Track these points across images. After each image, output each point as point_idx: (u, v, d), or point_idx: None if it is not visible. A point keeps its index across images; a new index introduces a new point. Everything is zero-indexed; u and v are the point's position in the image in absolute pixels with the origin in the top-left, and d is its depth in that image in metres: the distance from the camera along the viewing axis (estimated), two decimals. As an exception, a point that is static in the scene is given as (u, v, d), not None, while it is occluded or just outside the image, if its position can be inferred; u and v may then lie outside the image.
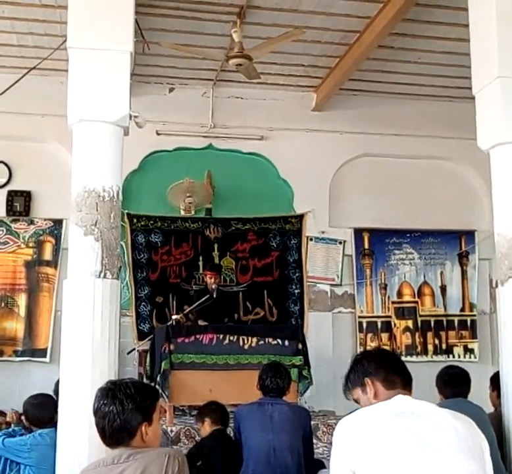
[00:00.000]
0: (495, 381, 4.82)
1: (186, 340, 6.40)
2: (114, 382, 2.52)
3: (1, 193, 7.99)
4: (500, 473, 3.86)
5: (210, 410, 4.87)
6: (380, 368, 2.40)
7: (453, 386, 4.40)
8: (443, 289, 8.76)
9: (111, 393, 2.41)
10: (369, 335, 8.46)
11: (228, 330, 6.67)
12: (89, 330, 4.27)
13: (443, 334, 8.64)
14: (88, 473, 2.44)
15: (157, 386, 6.19)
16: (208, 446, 4.57)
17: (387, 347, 8.17)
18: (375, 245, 8.68)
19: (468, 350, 8.61)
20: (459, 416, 2.26)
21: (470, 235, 8.82)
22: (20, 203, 7.96)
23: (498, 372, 4.67)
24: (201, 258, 8.24)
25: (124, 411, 2.37)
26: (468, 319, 8.72)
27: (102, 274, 4.34)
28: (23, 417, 4.59)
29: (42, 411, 4.42)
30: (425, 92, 8.51)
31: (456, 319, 8.70)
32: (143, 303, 8.03)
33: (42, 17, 6.62)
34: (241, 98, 8.48)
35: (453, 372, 4.55)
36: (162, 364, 6.19)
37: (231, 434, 4.74)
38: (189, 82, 8.30)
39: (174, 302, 8.03)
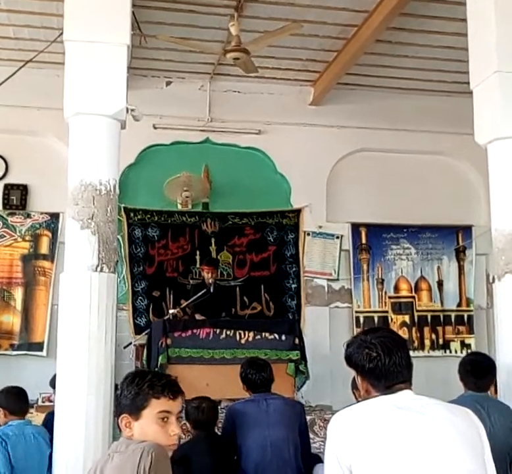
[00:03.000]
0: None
1: (183, 334, 6.41)
2: (142, 370, 2.53)
3: (-2, 186, 7.98)
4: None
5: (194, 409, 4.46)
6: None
7: (476, 376, 4.20)
8: (440, 284, 8.77)
9: (126, 377, 2.41)
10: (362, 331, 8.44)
11: (225, 324, 6.69)
12: (86, 324, 4.27)
13: (440, 329, 8.65)
14: (102, 457, 2.42)
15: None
16: (193, 452, 4.23)
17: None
18: (372, 240, 8.68)
19: (465, 345, 8.61)
20: (455, 409, 2.25)
21: (467, 230, 8.82)
22: (17, 197, 7.95)
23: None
24: (198, 252, 8.23)
25: (116, 397, 2.40)
26: (465, 314, 8.73)
27: (98, 268, 4.34)
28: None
29: (19, 401, 4.44)
30: (423, 87, 8.49)
31: (453, 314, 8.71)
32: (140, 297, 8.02)
33: (39, 9, 6.59)
34: (239, 92, 8.45)
35: (477, 361, 4.32)
36: (159, 358, 6.20)
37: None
38: (186, 76, 8.27)
39: (171, 296, 8.02)
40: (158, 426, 2.31)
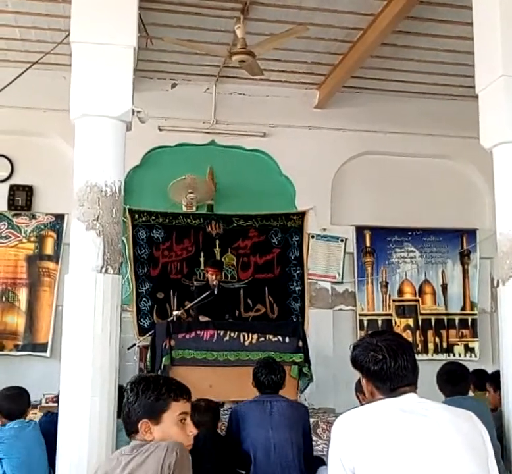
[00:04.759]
0: (494, 380, 4.82)
1: (187, 336, 6.41)
2: (148, 375, 2.53)
3: (3, 187, 7.98)
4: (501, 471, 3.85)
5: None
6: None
7: (452, 384, 4.41)
8: (444, 287, 8.76)
9: (136, 383, 2.41)
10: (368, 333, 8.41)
11: (228, 326, 6.69)
12: (90, 325, 4.28)
13: (443, 332, 8.63)
14: (104, 462, 2.46)
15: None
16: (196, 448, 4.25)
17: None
18: (376, 243, 8.67)
19: (468, 349, 8.60)
20: (459, 413, 2.25)
21: (471, 234, 8.81)
22: (22, 198, 7.96)
23: (495, 371, 4.69)
24: (202, 254, 8.24)
25: (129, 403, 2.37)
26: (469, 318, 8.71)
27: (103, 269, 4.35)
28: None
29: (12, 404, 4.44)
30: (428, 90, 8.50)
31: (457, 318, 8.69)
32: (144, 299, 8.03)
33: (45, 11, 6.61)
34: (244, 94, 8.46)
35: (451, 370, 4.56)
36: (163, 360, 6.20)
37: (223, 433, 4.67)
38: (192, 78, 8.28)
39: (175, 298, 8.03)
40: (178, 428, 2.35)
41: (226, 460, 4.28)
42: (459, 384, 4.46)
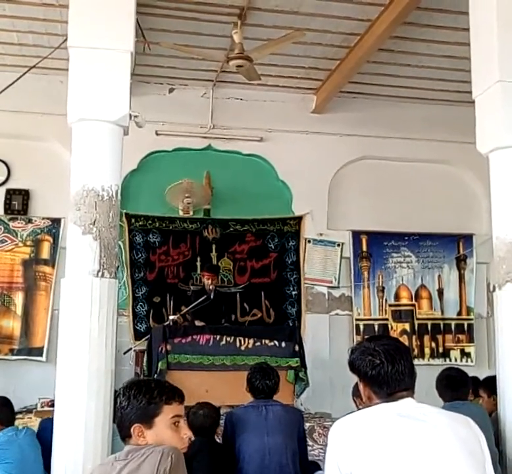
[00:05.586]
0: (488, 386, 4.82)
1: (183, 341, 6.40)
2: (140, 379, 2.51)
3: (-1, 191, 8.00)
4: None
5: (192, 415, 4.35)
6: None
7: (452, 389, 4.40)
8: (441, 292, 8.76)
9: (127, 388, 2.40)
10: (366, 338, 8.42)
11: (225, 331, 6.68)
12: (86, 329, 4.27)
13: (440, 337, 8.64)
14: (98, 467, 2.45)
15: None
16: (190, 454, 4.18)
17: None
18: (373, 247, 8.68)
19: (464, 354, 8.61)
20: (456, 417, 2.25)
21: (468, 238, 8.82)
22: (18, 202, 7.96)
23: (488, 377, 4.69)
24: (198, 259, 8.24)
25: (122, 408, 2.37)
26: (465, 323, 8.72)
27: (100, 274, 4.35)
28: None
29: (9, 412, 4.55)
30: (425, 95, 8.51)
31: (453, 323, 8.70)
32: (140, 303, 8.02)
33: (43, 16, 6.62)
34: (241, 99, 8.47)
35: (451, 375, 4.55)
36: (159, 364, 6.19)
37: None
38: (189, 83, 8.30)
39: (171, 302, 8.02)
40: (171, 431, 2.34)
41: (222, 468, 4.26)
42: (458, 389, 4.45)
